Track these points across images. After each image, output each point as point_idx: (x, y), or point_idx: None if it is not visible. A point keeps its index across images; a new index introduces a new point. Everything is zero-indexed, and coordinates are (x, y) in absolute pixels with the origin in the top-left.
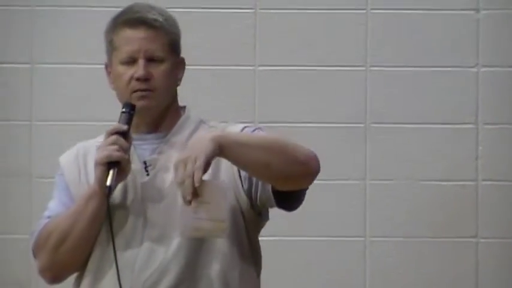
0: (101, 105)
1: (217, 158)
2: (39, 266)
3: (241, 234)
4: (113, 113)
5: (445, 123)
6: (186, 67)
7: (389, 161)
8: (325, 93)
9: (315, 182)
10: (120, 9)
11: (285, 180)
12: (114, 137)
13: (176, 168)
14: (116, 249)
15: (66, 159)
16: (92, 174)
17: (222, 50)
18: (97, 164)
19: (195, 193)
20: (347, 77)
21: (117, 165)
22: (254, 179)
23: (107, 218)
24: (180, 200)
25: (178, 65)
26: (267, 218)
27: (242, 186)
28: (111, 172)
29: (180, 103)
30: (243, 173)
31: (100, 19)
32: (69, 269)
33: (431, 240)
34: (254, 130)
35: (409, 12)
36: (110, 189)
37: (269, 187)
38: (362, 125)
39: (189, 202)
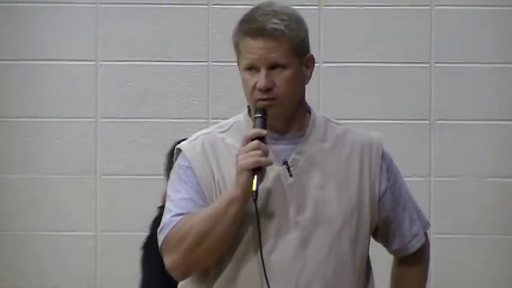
0: (164, 102)
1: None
2: (170, 263)
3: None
4: (176, 110)
5: (511, 120)
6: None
7: (454, 158)
8: (389, 90)
9: None
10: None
11: None
12: (256, 142)
13: None
14: (263, 250)
15: (192, 151)
16: (226, 172)
17: None
18: (243, 169)
19: None
20: (411, 73)
21: (260, 170)
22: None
23: (257, 222)
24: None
25: (305, 64)
26: None
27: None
28: (255, 177)
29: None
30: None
31: None
32: (201, 267)
33: (497, 238)
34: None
35: (475, 9)
36: (257, 194)
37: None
38: (427, 122)
39: None
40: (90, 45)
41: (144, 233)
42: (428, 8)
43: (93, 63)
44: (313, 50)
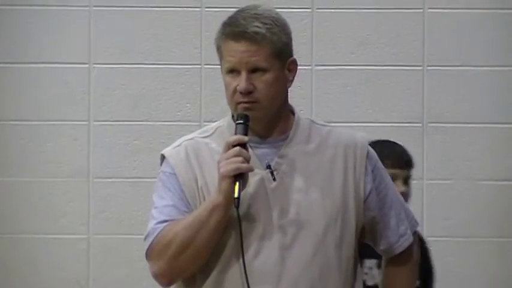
0: (157, 105)
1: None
2: (155, 271)
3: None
4: (169, 113)
5: (504, 123)
6: None
7: (447, 161)
8: (382, 93)
9: None
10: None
11: None
12: (237, 148)
13: None
14: (245, 256)
15: (176, 158)
16: (210, 178)
17: None
18: (224, 176)
19: None
20: (404, 76)
21: (242, 176)
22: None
23: (239, 229)
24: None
25: (287, 67)
26: None
27: (364, 214)
28: (237, 184)
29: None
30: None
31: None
32: (186, 274)
33: (491, 240)
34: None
35: (468, 12)
36: (239, 201)
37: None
38: (419, 125)
39: None
40: (83, 48)
41: (136, 236)
42: (421, 10)
43: (86, 66)
44: (306, 53)
